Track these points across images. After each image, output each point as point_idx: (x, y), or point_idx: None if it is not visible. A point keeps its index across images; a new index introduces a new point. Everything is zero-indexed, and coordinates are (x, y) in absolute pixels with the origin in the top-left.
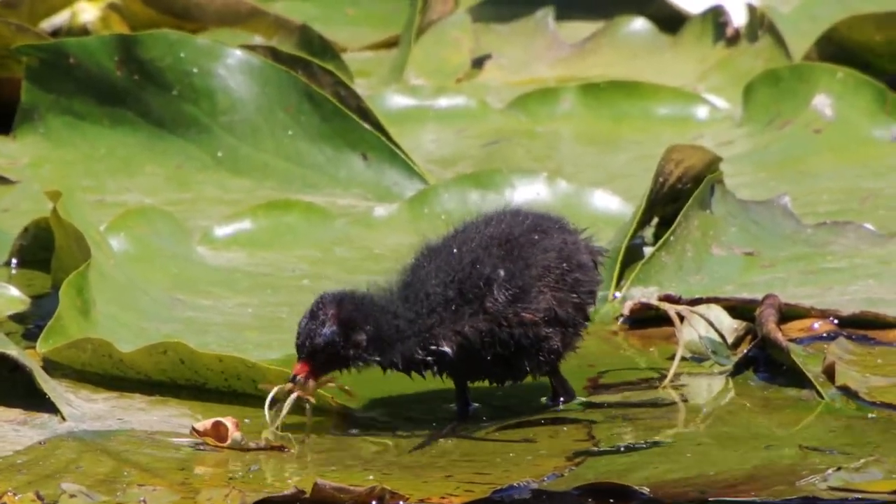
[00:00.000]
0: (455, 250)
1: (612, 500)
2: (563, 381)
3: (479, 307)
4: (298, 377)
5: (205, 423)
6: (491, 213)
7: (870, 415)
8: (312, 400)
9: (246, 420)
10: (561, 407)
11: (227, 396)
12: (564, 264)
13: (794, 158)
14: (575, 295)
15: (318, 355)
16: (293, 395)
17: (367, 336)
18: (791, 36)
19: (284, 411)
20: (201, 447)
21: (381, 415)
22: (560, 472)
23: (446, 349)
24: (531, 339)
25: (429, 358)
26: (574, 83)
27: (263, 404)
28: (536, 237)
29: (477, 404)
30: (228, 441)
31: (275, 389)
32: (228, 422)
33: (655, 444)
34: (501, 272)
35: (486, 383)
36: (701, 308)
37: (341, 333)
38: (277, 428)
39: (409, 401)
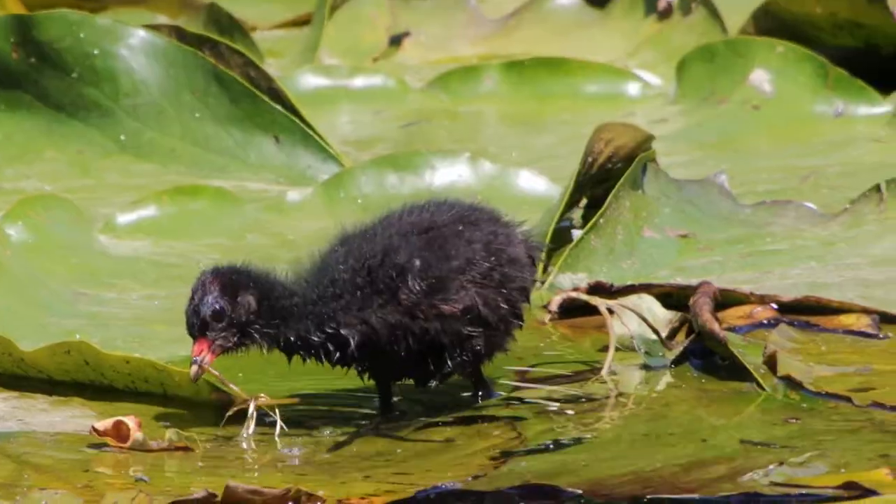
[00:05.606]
0: (370, 236)
1: (541, 500)
2: (484, 382)
3: (390, 297)
4: (198, 357)
5: (105, 423)
6: (419, 202)
7: (813, 406)
8: (274, 408)
9: (167, 424)
10: (480, 402)
11: (135, 395)
12: (493, 258)
13: (732, 136)
14: (504, 292)
15: (212, 327)
16: (253, 406)
17: (256, 300)
18: (726, 9)
19: (251, 426)
20: (104, 448)
21: (299, 412)
22: (484, 472)
23: (345, 334)
24: (451, 337)
25: (328, 343)
26: (497, 61)
27: (171, 404)
28: (461, 227)
29: (399, 397)
30: (130, 441)
31: (232, 410)
32: (130, 421)
33: (587, 440)
34: (417, 262)
35: (411, 382)
36: (632, 300)
37: (227, 298)
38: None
39: (328, 397)
